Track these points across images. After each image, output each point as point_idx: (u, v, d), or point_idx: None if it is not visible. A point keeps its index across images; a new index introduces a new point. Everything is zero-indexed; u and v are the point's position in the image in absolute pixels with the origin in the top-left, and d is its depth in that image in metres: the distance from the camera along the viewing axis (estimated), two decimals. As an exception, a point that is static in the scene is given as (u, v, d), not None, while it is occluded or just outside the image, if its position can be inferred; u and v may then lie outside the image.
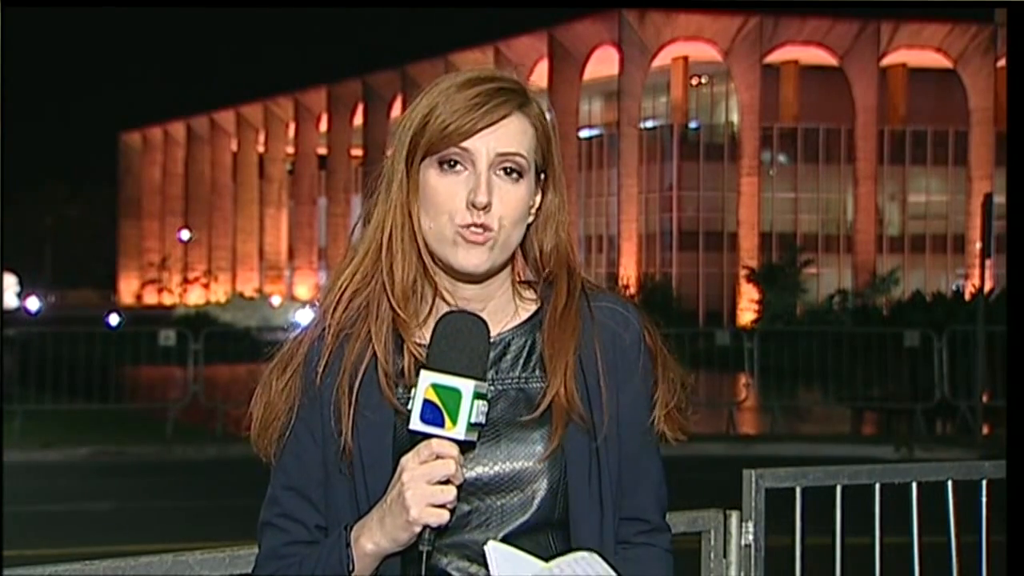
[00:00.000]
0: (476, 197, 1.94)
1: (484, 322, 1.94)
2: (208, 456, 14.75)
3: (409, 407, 1.90)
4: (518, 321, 2.05)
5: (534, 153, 2.00)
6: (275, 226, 70.20)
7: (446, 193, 1.96)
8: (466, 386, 1.87)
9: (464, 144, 1.95)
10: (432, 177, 1.97)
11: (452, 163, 1.96)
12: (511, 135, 1.97)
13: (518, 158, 1.97)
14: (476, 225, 1.95)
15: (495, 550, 1.89)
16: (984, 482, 3.56)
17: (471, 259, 1.96)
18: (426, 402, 1.88)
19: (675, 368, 2.11)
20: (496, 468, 1.97)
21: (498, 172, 1.97)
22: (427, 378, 1.88)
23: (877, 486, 3.45)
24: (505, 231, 1.97)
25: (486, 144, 1.96)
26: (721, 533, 3.17)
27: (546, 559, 1.96)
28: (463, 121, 1.95)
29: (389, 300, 2.00)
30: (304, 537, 2.02)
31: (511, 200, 1.97)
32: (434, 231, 1.98)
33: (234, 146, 72.81)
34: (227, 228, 72.66)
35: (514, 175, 1.98)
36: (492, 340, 1.97)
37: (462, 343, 1.91)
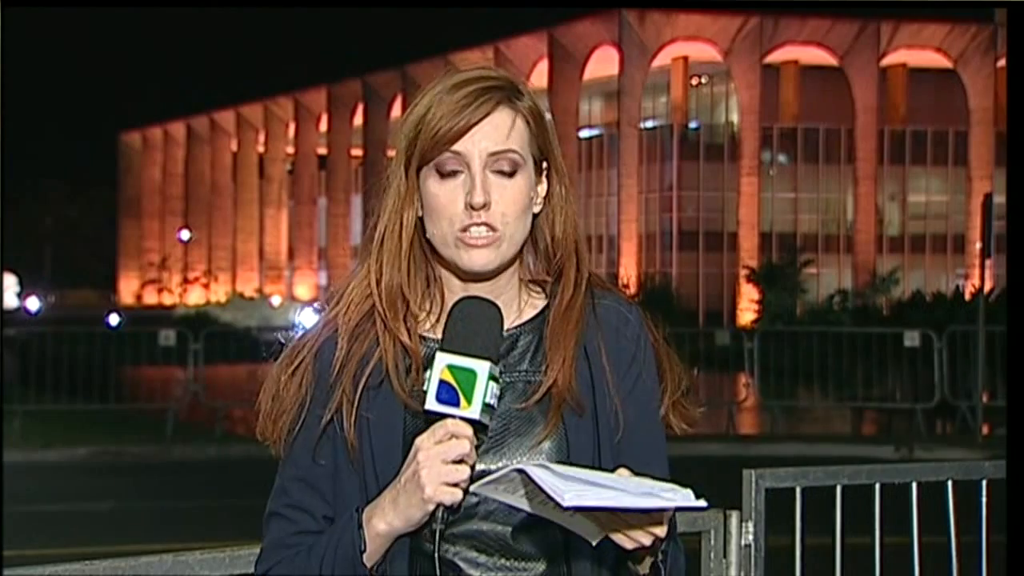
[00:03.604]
0: (473, 198, 1.97)
1: (498, 307, 1.97)
2: (208, 456, 14.75)
3: (425, 388, 1.93)
4: (526, 318, 2.09)
5: (529, 146, 2.03)
6: (275, 226, 70.21)
7: (446, 199, 2.00)
8: (481, 367, 1.91)
9: (455, 147, 1.98)
10: (432, 184, 2.01)
11: (450, 171, 1.99)
12: (500, 131, 1.99)
13: (511, 154, 2.00)
14: (477, 225, 1.98)
15: (530, 470, 1.82)
16: (984, 482, 3.56)
17: (477, 260, 2.00)
18: (442, 383, 1.91)
19: (677, 362, 2.15)
20: (502, 459, 1.99)
21: (493, 171, 1.99)
22: (443, 359, 1.92)
23: (877, 486, 3.46)
24: (510, 227, 2.01)
25: (476, 144, 1.98)
26: (721, 533, 3.18)
27: (551, 552, 1.98)
28: (450, 124, 1.97)
29: (376, 300, 2.04)
30: (312, 527, 2.04)
31: (510, 195, 2.00)
32: (438, 236, 2.02)
33: (234, 146, 72.81)
34: (227, 228, 72.66)
35: (509, 172, 2.00)
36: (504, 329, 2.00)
37: (477, 326, 1.94)
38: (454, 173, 1.99)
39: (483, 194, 1.97)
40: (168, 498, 12.32)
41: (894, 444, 15.32)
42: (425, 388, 1.93)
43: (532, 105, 2.04)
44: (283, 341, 2.12)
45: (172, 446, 15.16)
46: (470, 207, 1.97)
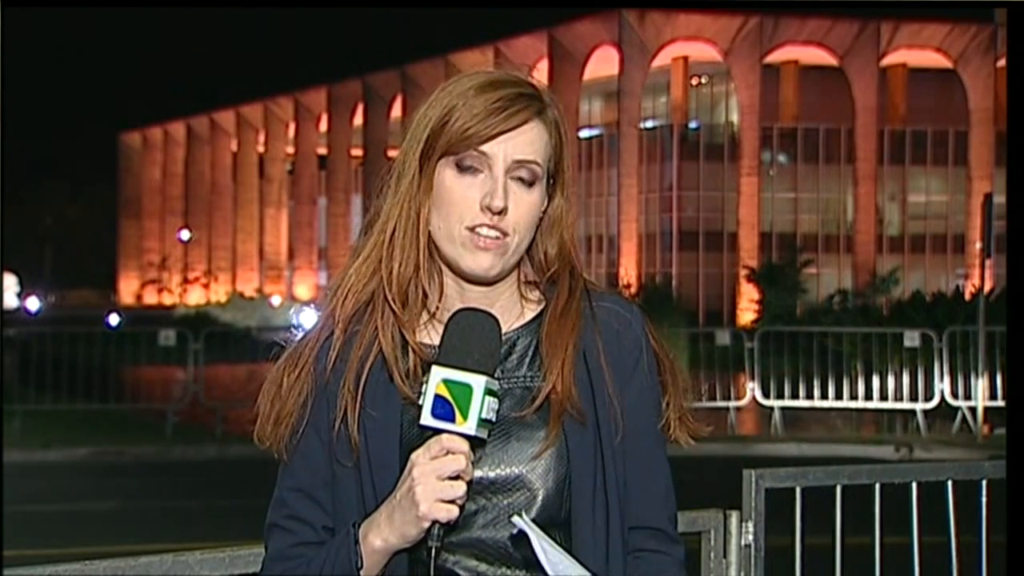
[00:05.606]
0: (493, 201, 1.95)
1: (496, 319, 1.94)
2: (208, 456, 14.75)
3: (420, 402, 1.90)
4: (523, 321, 2.06)
5: (548, 161, 2.02)
6: (275, 226, 70.17)
7: (461, 194, 1.97)
8: (477, 382, 1.87)
9: (483, 148, 1.96)
10: (448, 177, 1.98)
11: (470, 166, 1.97)
12: (528, 142, 1.98)
13: (534, 166, 1.99)
14: (489, 227, 1.96)
15: (529, 527, 1.82)
16: (984, 482, 3.56)
17: (480, 263, 1.98)
18: (437, 397, 1.88)
19: (683, 373, 2.12)
20: (502, 467, 1.97)
21: (513, 178, 1.98)
22: (439, 373, 1.88)
23: (877, 486, 3.46)
24: (519, 237, 1.99)
25: (504, 149, 1.97)
26: (721, 533, 3.18)
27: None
28: (483, 125, 1.95)
29: (385, 294, 2.00)
30: (311, 538, 2.02)
31: (525, 207, 1.98)
32: (443, 231, 1.99)
33: (234, 146, 72.77)
34: (227, 228, 72.63)
35: (528, 182, 1.99)
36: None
37: (474, 339, 1.91)
38: (474, 171, 1.97)
39: (503, 199, 1.95)
40: (168, 498, 12.31)
41: (894, 444, 15.31)
42: (421, 402, 1.90)
43: (558, 119, 2.03)
44: (283, 343, 2.08)
45: (172, 446, 15.15)
46: (487, 209, 1.95)
